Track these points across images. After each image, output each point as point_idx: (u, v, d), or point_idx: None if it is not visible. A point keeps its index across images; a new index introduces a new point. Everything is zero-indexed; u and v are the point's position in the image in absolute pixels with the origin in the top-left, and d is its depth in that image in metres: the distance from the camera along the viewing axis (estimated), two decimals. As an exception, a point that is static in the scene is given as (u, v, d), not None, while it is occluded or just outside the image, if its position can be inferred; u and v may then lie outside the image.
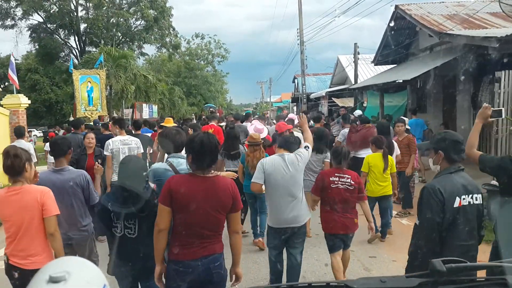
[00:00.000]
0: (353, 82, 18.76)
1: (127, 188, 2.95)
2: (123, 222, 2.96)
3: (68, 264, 0.91)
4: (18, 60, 36.08)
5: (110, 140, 5.90)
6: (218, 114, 26.09)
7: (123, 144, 5.86)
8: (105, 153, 5.76)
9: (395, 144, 6.42)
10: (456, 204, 2.56)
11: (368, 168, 5.58)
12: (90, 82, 17.38)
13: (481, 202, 2.68)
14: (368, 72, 19.39)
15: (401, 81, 11.47)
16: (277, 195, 3.87)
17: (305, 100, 23.65)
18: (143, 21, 30.80)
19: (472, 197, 2.62)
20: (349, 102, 18.10)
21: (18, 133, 7.92)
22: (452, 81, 10.98)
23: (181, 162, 3.31)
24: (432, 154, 2.76)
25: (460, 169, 2.68)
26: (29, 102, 12.93)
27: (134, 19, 31.13)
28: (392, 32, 13.67)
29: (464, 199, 2.59)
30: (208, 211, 2.59)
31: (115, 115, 18.73)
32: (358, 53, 17.09)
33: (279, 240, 3.92)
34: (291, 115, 9.37)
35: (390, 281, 1.19)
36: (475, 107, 9.71)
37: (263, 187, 3.92)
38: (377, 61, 15.52)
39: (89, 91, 17.31)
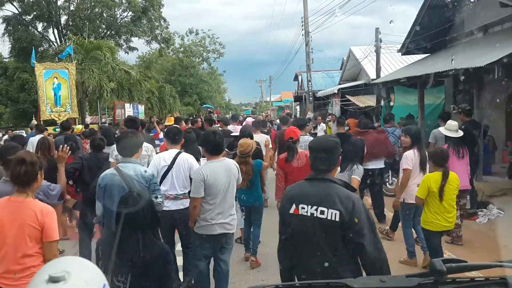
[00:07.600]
0: (371, 77, 15.77)
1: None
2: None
3: (68, 264, 0.92)
4: (6, 58, 33.17)
5: (114, 146, 5.63)
6: (216, 114, 23.25)
7: None
8: (110, 159, 5.45)
9: None
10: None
11: (427, 193, 4.14)
12: (57, 78, 14.44)
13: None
14: (389, 65, 16.43)
15: (461, 70, 8.62)
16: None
17: (311, 98, 20.75)
18: (130, 12, 27.88)
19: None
20: (368, 101, 15.08)
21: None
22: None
23: (130, 167, 3.47)
24: None
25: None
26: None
27: (120, 10, 28.23)
28: (428, 13, 10.84)
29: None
30: None
31: (87, 118, 15.80)
32: (381, 41, 13.90)
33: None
34: (248, 119, 8.51)
35: (390, 280, 1.18)
36: None
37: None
38: (405, 50, 12.58)
39: (55, 88, 14.37)
